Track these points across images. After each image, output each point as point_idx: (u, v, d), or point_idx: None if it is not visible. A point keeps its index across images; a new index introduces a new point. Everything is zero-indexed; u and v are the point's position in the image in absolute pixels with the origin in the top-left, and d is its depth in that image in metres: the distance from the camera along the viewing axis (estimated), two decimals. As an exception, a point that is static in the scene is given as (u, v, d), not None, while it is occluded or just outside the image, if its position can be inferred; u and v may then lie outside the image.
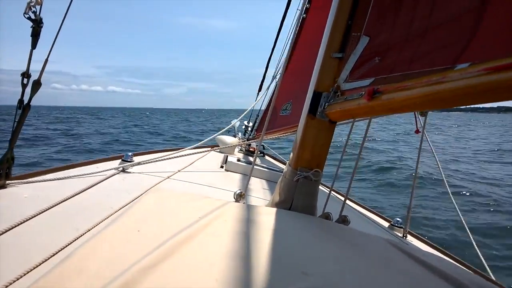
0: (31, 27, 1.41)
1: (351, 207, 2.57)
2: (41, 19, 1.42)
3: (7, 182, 1.43)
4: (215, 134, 3.47)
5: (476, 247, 1.96)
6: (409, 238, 2.08)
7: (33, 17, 1.39)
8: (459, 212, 2.18)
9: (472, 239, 2.05)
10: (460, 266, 1.24)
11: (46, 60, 1.49)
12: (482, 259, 1.86)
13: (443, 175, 2.29)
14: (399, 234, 2.08)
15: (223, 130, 3.53)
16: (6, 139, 1.49)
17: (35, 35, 1.42)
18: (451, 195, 2.26)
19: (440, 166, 2.20)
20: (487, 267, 1.82)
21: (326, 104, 1.26)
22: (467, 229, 2.08)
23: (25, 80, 1.42)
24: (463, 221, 2.12)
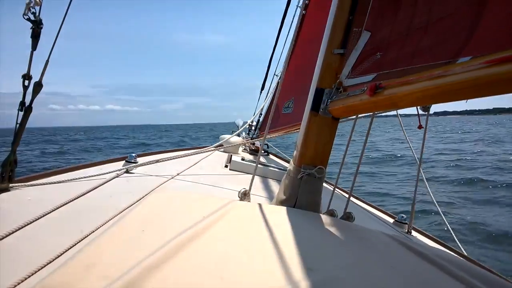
0: (31, 28, 1.40)
1: (356, 204, 2.56)
2: (40, 20, 1.40)
3: (11, 185, 1.43)
4: (222, 138, 3.46)
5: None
6: (414, 233, 2.07)
7: (32, 18, 1.38)
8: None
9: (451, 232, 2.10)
10: (465, 260, 1.24)
11: (47, 61, 1.48)
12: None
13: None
14: (404, 230, 2.07)
15: (231, 135, 3.53)
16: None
17: (35, 36, 1.41)
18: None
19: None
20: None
21: (329, 100, 1.26)
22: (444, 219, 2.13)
23: (26, 82, 1.42)
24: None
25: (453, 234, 2.08)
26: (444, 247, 2.01)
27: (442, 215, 2.20)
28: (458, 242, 2.00)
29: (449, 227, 2.14)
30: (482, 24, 0.77)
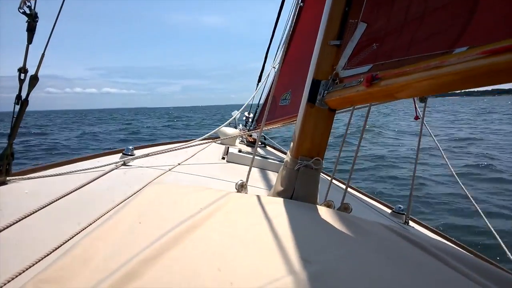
0: (26, 21, 1.40)
1: (353, 195, 2.58)
2: (36, 13, 1.40)
3: (8, 178, 1.43)
4: (218, 128, 3.46)
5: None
6: (411, 224, 2.09)
7: (28, 11, 1.38)
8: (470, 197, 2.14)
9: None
10: (462, 250, 1.25)
11: (43, 55, 1.48)
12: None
13: (447, 161, 2.26)
14: (401, 221, 2.09)
15: (225, 123, 3.51)
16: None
17: (31, 30, 1.41)
18: (456, 177, 2.22)
19: (442, 151, 2.19)
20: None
21: (325, 92, 1.26)
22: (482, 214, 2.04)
23: (22, 76, 1.41)
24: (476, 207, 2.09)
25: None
26: (442, 237, 2.03)
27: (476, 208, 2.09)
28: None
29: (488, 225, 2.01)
30: (478, 15, 0.77)
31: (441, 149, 2.16)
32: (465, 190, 2.10)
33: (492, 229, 1.91)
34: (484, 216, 2.00)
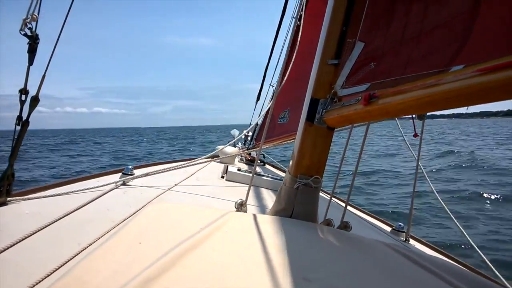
0: (28, 43, 1.42)
1: (353, 213, 2.56)
2: (37, 35, 1.43)
3: (8, 199, 1.43)
4: (218, 149, 3.46)
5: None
6: (412, 242, 2.07)
7: (29, 33, 1.41)
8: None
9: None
10: (464, 268, 1.23)
11: (43, 76, 1.49)
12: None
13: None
14: (402, 238, 2.07)
15: (228, 143, 3.52)
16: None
17: (32, 51, 1.42)
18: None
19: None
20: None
21: (324, 110, 1.26)
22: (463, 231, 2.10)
23: (23, 97, 1.42)
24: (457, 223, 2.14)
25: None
26: (443, 255, 2.01)
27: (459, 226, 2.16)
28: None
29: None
30: (474, 33, 0.78)
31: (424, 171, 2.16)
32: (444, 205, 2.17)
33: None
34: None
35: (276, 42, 4.75)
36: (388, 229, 2.28)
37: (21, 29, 1.38)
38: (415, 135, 1.74)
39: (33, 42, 1.42)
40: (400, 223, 2.24)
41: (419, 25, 0.98)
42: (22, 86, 1.42)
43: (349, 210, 2.38)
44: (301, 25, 3.54)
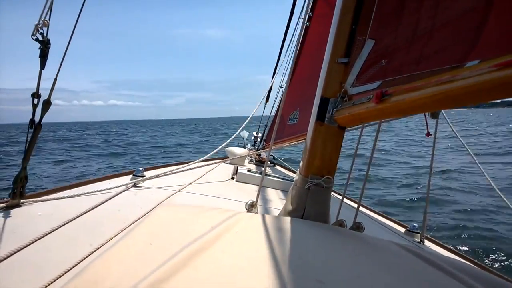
0: (39, 48, 1.43)
1: (365, 213, 2.53)
2: (48, 40, 1.44)
3: (22, 200, 1.45)
4: (222, 145, 3.46)
5: None
6: (427, 243, 2.03)
7: (40, 38, 1.42)
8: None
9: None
10: (483, 270, 1.20)
11: (55, 80, 1.51)
12: None
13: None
14: (416, 240, 2.03)
15: (229, 140, 3.52)
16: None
17: (43, 56, 1.44)
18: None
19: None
20: None
21: (334, 109, 1.25)
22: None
23: (35, 100, 1.44)
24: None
25: None
26: (460, 257, 1.97)
27: None
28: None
29: None
30: (488, 27, 0.76)
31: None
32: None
33: None
34: None
35: (285, 42, 4.74)
36: (402, 230, 2.25)
37: (32, 34, 1.40)
38: (428, 135, 1.71)
39: (45, 47, 1.44)
40: (414, 224, 2.20)
41: (431, 21, 0.96)
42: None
43: (361, 211, 2.35)
44: (310, 26, 3.54)
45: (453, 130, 2.12)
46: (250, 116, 3.79)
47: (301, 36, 3.61)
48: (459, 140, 2.14)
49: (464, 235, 5.02)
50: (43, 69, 1.46)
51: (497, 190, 2.18)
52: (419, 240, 2.00)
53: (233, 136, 3.62)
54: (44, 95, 1.46)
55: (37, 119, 1.47)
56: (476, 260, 1.93)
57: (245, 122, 3.75)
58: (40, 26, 1.41)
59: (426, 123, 1.59)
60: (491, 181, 2.21)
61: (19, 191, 1.44)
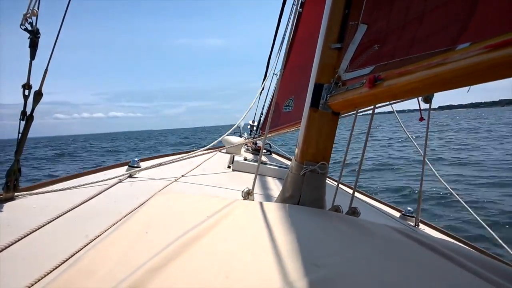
0: (28, 38, 1.41)
1: (360, 199, 2.55)
2: (38, 29, 1.42)
3: (16, 194, 1.44)
4: (222, 136, 3.46)
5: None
6: (422, 226, 2.06)
7: (29, 28, 1.40)
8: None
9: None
10: (477, 252, 1.22)
11: (46, 70, 1.49)
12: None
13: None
14: (412, 223, 2.06)
15: (229, 131, 3.52)
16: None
17: (33, 46, 1.42)
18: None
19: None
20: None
21: (328, 95, 1.25)
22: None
23: (26, 92, 1.42)
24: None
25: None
26: (454, 239, 2.00)
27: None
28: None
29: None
30: (479, 9, 0.76)
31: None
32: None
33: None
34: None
35: (279, 30, 4.70)
36: (397, 214, 2.27)
37: (21, 24, 1.38)
38: (421, 119, 1.72)
39: (34, 36, 1.42)
40: (409, 208, 2.22)
41: (422, 4, 0.95)
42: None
43: (357, 197, 2.37)
44: (303, 12, 3.51)
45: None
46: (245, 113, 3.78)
47: (294, 22, 3.59)
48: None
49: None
50: (33, 59, 1.44)
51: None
52: (414, 224, 2.03)
53: (232, 129, 3.62)
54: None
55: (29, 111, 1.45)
56: (470, 242, 1.96)
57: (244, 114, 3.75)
58: (28, 15, 1.38)
59: (420, 108, 1.59)
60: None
61: (13, 184, 1.43)
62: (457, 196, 2.23)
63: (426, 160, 1.87)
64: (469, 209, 2.12)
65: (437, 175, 2.28)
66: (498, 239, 1.90)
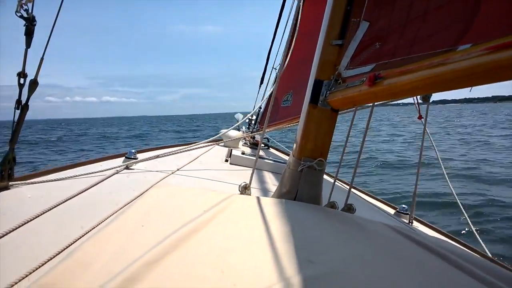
0: (24, 25, 1.38)
1: (357, 195, 2.56)
2: (33, 17, 1.38)
3: (10, 183, 1.42)
4: (221, 133, 3.44)
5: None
6: (415, 224, 2.07)
7: (25, 15, 1.37)
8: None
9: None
10: (466, 249, 1.23)
11: (42, 59, 1.46)
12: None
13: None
14: (405, 221, 2.07)
15: (231, 128, 3.51)
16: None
17: (29, 34, 1.39)
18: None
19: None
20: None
21: (328, 92, 1.25)
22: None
23: (22, 80, 1.40)
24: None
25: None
26: (446, 237, 2.01)
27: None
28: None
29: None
30: (481, 11, 0.76)
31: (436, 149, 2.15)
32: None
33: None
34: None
35: (279, 24, 4.67)
36: (392, 211, 2.29)
37: (16, 11, 1.34)
38: (420, 117, 1.72)
39: (30, 24, 1.38)
40: (404, 205, 2.24)
41: (425, 3, 0.95)
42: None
43: (353, 193, 2.37)
44: (304, 7, 3.48)
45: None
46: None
47: (296, 16, 3.56)
48: None
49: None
50: (29, 47, 1.40)
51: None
52: (408, 221, 2.04)
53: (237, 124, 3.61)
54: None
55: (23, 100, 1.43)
56: (461, 240, 1.98)
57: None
58: (24, 2, 1.35)
59: (418, 107, 1.60)
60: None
61: (7, 173, 1.41)
62: (458, 201, 2.24)
63: (439, 160, 1.89)
64: (465, 213, 2.14)
65: (445, 173, 2.28)
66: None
